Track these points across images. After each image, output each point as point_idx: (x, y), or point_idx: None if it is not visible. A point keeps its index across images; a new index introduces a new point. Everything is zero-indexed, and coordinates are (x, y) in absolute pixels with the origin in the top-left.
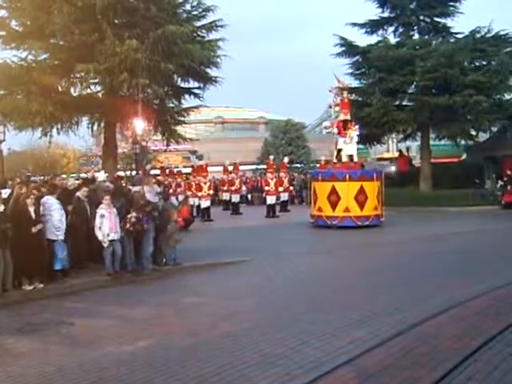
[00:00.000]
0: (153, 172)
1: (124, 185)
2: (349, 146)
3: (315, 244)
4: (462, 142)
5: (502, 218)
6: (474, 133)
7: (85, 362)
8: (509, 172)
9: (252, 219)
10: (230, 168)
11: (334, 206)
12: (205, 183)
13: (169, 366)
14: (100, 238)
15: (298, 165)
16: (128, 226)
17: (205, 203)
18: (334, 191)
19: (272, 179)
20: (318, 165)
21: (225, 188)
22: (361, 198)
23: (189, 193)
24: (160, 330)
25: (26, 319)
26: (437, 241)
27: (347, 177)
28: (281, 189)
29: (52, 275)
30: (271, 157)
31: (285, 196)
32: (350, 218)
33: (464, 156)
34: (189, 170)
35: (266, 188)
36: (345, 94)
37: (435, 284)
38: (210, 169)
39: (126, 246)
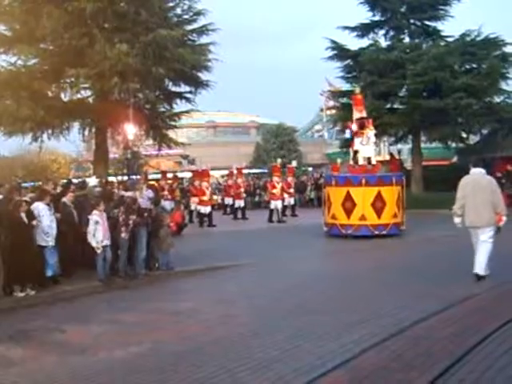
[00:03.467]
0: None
1: (115, 190)
2: (366, 147)
3: (312, 248)
4: (453, 144)
5: None
6: (464, 135)
7: (77, 368)
8: (498, 174)
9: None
10: (235, 172)
11: (348, 213)
12: (207, 188)
13: (162, 371)
14: (94, 244)
15: None
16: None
17: (205, 209)
18: (348, 197)
19: (278, 183)
20: (310, 168)
21: (229, 193)
22: (378, 205)
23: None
24: (153, 335)
25: (17, 326)
26: (430, 243)
27: (363, 181)
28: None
29: (43, 282)
30: (279, 160)
31: (291, 200)
32: (366, 227)
33: (455, 158)
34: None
35: (273, 191)
36: (357, 90)
37: (427, 286)
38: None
39: (124, 251)
